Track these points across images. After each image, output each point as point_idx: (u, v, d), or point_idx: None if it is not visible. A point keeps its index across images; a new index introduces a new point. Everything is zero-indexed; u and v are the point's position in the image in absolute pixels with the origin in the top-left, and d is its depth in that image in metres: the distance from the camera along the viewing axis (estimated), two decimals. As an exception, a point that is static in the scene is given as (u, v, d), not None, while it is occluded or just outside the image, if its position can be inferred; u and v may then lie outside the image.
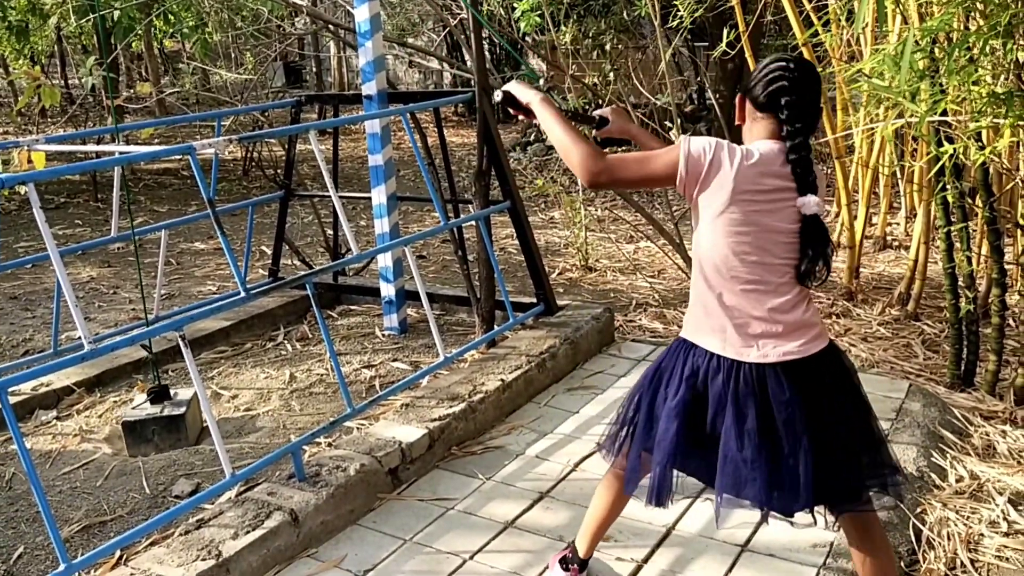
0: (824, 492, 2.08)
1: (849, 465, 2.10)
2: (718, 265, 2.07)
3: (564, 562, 2.62)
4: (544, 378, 4.01)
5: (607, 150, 2.27)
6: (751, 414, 2.03)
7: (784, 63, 2.07)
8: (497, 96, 2.35)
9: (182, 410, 3.56)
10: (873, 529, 2.21)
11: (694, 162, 2.01)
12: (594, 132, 2.54)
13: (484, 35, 4.22)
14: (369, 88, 4.36)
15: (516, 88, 2.32)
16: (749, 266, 2.04)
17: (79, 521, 3.05)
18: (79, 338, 4.58)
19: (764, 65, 2.11)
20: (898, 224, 6.48)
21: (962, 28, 3.30)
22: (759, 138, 2.09)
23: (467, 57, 6.36)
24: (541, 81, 3.07)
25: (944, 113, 3.19)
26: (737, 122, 2.16)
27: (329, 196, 5.33)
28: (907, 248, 5.81)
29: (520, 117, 2.38)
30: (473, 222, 4.26)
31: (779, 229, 2.04)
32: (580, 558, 2.57)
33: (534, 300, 4.54)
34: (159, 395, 3.60)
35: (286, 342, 4.68)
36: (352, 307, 5.20)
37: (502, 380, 3.77)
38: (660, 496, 2.19)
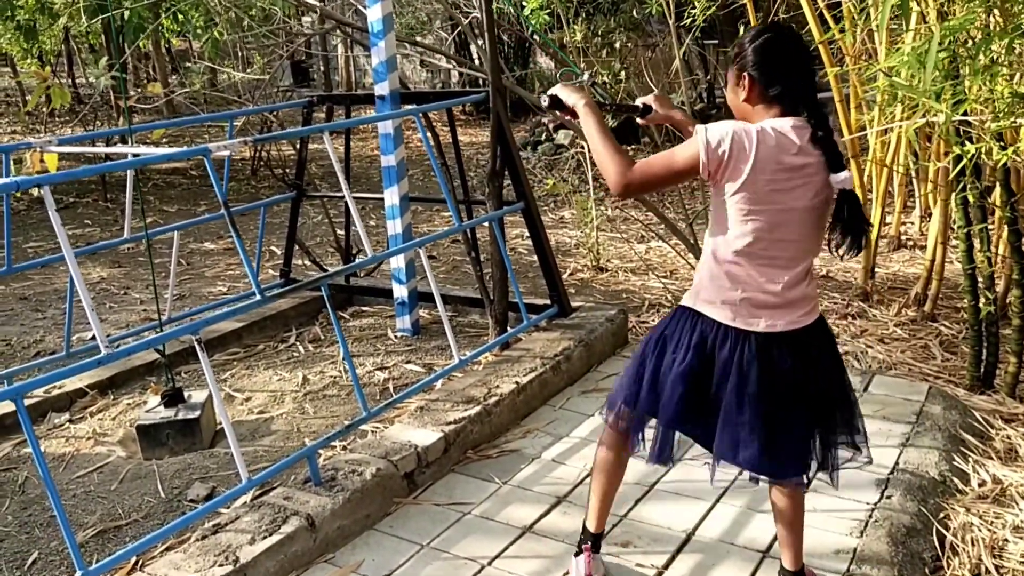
0: (810, 457, 2.25)
1: (830, 430, 2.26)
2: (734, 241, 2.13)
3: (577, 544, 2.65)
4: (559, 380, 3.98)
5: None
6: (753, 380, 2.14)
7: (784, 40, 2.13)
8: (544, 100, 2.38)
9: (196, 413, 3.54)
10: (801, 500, 2.37)
11: (713, 150, 2.04)
12: (639, 120, 2.57)
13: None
14: (382, 88, 4.34)
15: (562, 91, 2.36)
16: (765, 243, 2.11)
17: (94, 526, 3.03)
18: (91, 339, 4.57)
19: (763, 42, 2.12)
20: (912, 223, 6.43)
21: (983, 27, 3.26)
22: (771, 115, 2.12)
23: (475, 56, 6.30)
24: (586, 76, 3.11)
25: (965, 113, 3.15)
26: (743, 100, 2.15)
27: (339, 196, 5.31)
28: (922, 248, 5.76)
29: (567, 118, 2.43)
30: (485, 223, 4.23)
31: (795, 207, 2.09)
32: (592, 534, 2.60)
33: (547, 302, 4.51)
34: (173, 398, 3.58)
35: (298, 344, 4.66)
36: (364, 308, 5.17)
37: (517, 383, 3.74)
38: (662, 455, 2.33)
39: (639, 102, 2.56)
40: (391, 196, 4.47)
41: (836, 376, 2.27)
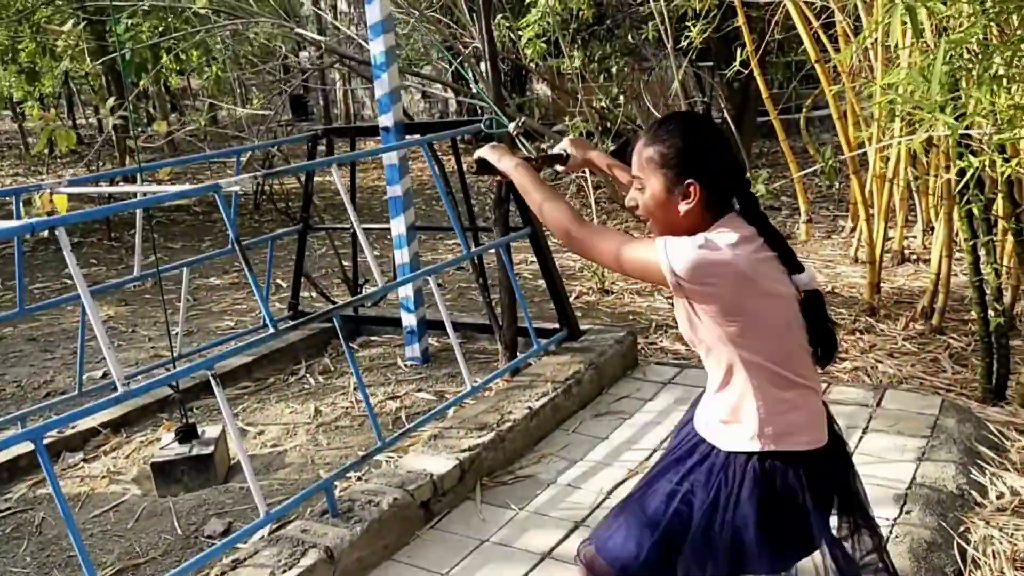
0: None
1: None
2: (768, 359, 1.83)
3: None
4: (570, 404, 3.98)
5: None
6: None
7: (715, 133, 1.88)
8: (471, 166, 2.32)
9: (210, 449, 3.54)
10: None
11: (689, 274, 1.74)
12: (559, 168, 2.49)
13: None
14: (386, 119, 4.37)
15: (490, 153, 2.23)
16: (787, 354, 1.85)
17: (112, 565, 3.02)
18: (101, 378, 4.58)
19: (702, 141, 1.85)
20: (915, 237, 6.45)
21: (983, 40, 3.30)
22: (719, 218, 1.85)
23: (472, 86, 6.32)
24: (512, 125, 2.74)
25: (968, 126, 3.18)
26: (685, 212, 1.84)
27: (346, 228, 5.34)
28: (926, 261, 5.78)
29: (498, 178, 2.32)
30: (492, 249, 4.25)
31: (788, 296, 1.83)
32: None
33: (555, 326, 4.52)
34: (187, 434, 3.59)
35: (308, 375, 4.66)
36: (372, 338, 5.18)
37: (529, 408, 3.74)
38: None
39: (558, 149, 2.47)
40: (398, 226, 4.50)
41: None
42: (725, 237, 1.78)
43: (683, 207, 1.84)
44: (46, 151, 11.50)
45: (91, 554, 3.08)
